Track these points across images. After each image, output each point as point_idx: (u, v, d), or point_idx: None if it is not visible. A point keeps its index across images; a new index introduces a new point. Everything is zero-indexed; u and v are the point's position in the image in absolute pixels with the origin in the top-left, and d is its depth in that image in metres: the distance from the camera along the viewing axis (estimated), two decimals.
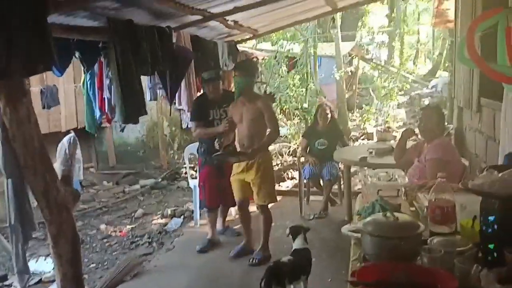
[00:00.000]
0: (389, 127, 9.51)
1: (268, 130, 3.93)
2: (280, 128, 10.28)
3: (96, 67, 3.85)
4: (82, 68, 3.74)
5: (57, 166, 2.89)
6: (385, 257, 1.55)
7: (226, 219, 4.81)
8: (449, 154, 3.00)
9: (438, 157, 2.90)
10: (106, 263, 4.38)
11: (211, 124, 4.24)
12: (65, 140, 3.01)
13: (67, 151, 2.94)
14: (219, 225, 4.68)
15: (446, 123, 5.05)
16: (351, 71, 12.34)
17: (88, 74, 3.91)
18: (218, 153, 3.80)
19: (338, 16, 9.61)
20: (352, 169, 5.00)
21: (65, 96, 6.89)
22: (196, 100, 4.52)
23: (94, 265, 4.36)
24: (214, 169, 4.29)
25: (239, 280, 3.80)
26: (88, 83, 4.01)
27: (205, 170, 4.40)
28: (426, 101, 11.91)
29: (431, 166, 2.86)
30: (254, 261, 3.93)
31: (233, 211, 4.89)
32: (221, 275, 3.90)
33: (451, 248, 1.54)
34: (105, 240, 4.97)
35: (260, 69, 9.51)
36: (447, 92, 8.62)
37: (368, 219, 1.72)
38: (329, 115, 5.19)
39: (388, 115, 10.53)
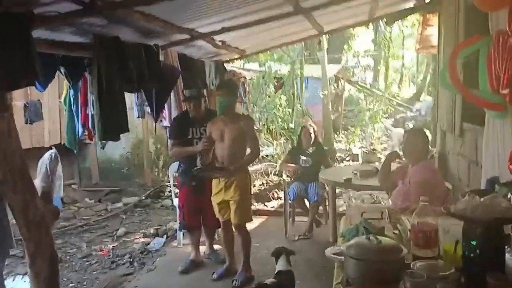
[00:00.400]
0: (374, 149, 9.59)
1: (248, 149, 3.95)
2: (266, 148, 10.24)
3: (80, 82, 3.82)
4: (68, 83, 3.69)
5: (38, 182, 2.84)
6: (368, 281, 1.53)
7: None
8: (433, 177, 3.02)
9: (422, 180, 2.91)
10: (85, 283, 4.25)
11: (190, 142, 4.16)
12: (46, 156, 2.96)
13: (48, 167, 2.89)
14: (206, 248, 4.60)
15: (429, 147, 5.10)
16: (336, 92, 12.49)
17: (71, 90, 3.87)
18: (198, 167, 3.76)
19: (324, 39, 9.77)
20: (337, 190, 5.00)
21: (49, 111, 6.80)
22: (176, 118, 4.47)
23: (72, 284, 4.23)
24: (193, 189, 4.22)
25: None
26: (72, 98, 3.96)
27: (184, 190, 4.35)
28: (410, 124, 12.08)
29: (416, 189, 2.87)
30: (237, 283, 3.87)
31: (216, 234, 4.81)
32: None
33: (434, 272, 1.53)
34: (85, 259, 4.84)
35: (247, 89, 9.57)
36: (431, 116, 8.76)
37: (351, 242, 1.71)
38: (313, 136, 5.24)
39: (373, 137, 10.65)
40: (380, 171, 3.54)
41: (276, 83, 10.82)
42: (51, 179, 2.88)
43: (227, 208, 3.90)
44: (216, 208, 3.95)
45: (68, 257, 4.93)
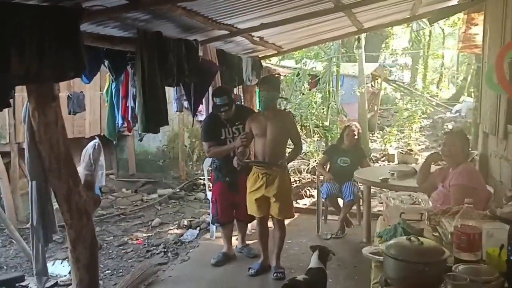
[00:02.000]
0: (411, 150, 9.39)
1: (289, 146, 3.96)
2: None
3: (122, 76, 3.92)
4: (110, 76, 3.80)
5: (81, 171, 2.94)
6: (407, 282, 1.51)
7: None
8: (474, 180, 2.93)
9: (462, 183, 2.84)
10: (121, 270, 4.40)
11: (224, 143, 4.19)
12: (89, 145, 3.06)
13: (91, 156, 2.99)
14: (238, 243, 4.63)
15: (470, 149, 4.93)
16: (373, 91, 12.27)
17: (114, 83, 3.98)
18: (249, 161, 3.84)
19: (362, 36, 9.61)
20: (372, 190, 4.93)
21: (90, 103, 7.03)
22: (206, 119, 4.44)
23: (109, 271, 4.38)
24: (227, 185, 4.26)
25: None
26: (113, 91, 4.08)
27: (218, 186, 4.37)
28: (450, 126, 11.76)
29: (455, 192, 2.81)
30: (278, 275, 3.92)
31: (249, 226, 4.85)
32: None
33: (476, 276, 1.49)
34: (121, 247, 5.00)
35: (281, 85, 9.55)
36: (472, 117, 8.50)
37: (391, 241, 1.69)
38: (356, 137, 5.15)
39: (411, 137, 10.41)
40: (419, 172, 3.46)
41: (310, 80, 10.76)
42: (94, 168, 2.97)
43: (266, 205, 3.90)
44: (253, 204, 3.93)
45: (105, 244, 5.10)
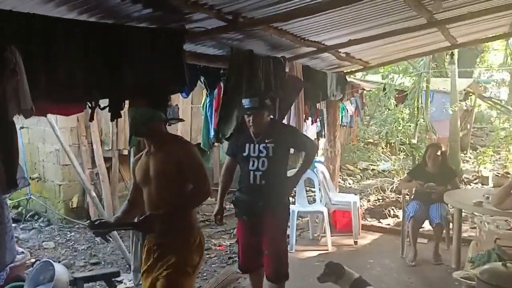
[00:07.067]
0: (507, 173, 8.70)
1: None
2: (383, 163, 9.73)
3: (216, 90, 4.18)
4: (205, 91, 4.08)
5: None
6: None
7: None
8: None
9: None
10: (205, 273, 4.61)
11: (247, 161, 3.33)
12: None
13: None
14: None
15: None
16: (466, 108, 11.59)
17: (208, 97, 4.26)
18: (94, 221, 2.46)
19: (456, 51, 9.15)
20: (462, 214, 4.64)
21: (183, 115, 7.49)
22: (236, 131, 3.69)
23: None
24: (249, 225, 3.40)
25: None
26: (207, 105, 4.36)
27: (239, 225, 3.57)
28: None
29: None
30: None
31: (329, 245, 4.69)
32: None
33: None
34: (205, 252, 5.22)
35: (364, 101, 9.39)
36: None
37: (485, 267, 1.64)
38: (440, 157, 4.82)
39: (508, 159, 9.65)
40: (500, 191, 3.17)
41: (397, 96, 10.46)
42: None
43: None
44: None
45: None
